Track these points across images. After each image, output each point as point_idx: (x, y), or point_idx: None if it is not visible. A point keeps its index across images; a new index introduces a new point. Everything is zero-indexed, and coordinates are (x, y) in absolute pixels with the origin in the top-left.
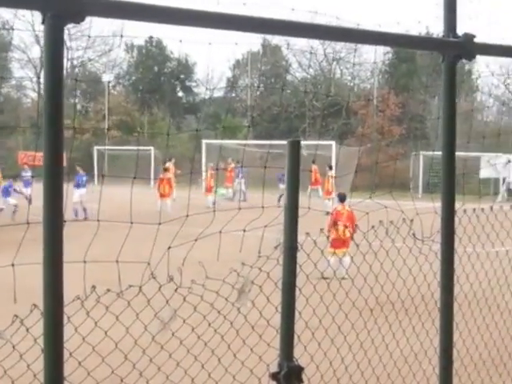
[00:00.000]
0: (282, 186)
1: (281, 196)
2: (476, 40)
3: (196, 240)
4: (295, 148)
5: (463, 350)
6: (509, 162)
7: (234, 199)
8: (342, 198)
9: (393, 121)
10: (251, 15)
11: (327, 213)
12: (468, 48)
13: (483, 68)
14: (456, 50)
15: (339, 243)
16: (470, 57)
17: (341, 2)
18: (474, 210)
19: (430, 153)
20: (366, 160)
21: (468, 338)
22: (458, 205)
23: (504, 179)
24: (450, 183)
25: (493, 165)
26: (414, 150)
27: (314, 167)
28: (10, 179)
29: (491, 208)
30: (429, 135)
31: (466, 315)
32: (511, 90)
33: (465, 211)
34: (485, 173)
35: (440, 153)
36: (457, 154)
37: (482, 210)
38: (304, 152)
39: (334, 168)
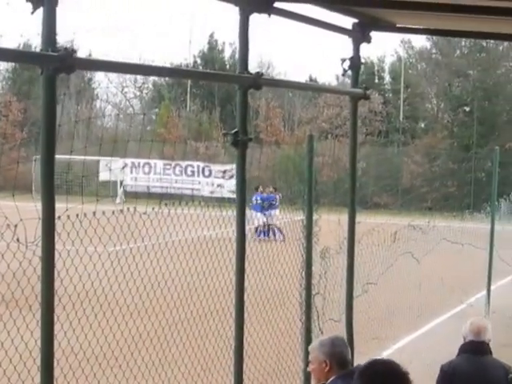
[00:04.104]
0: (261, 217)
1: (259, 228)
2: (78, 55)
3: None
4: None
5: (68, 348)
6: (125, 165)
7: None
8: None
9: (15, 126)
10: None
11: None
12: (68, 62)
13: (102, 77)
14: (55, 63)
15: None
16: (70, 70)
17: None
18: (84, 214)
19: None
20: None
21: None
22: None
23: (121, 182)
24: (49, 189)
25: (111, 169)
26: (35, 153)
27: None
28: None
29: (94, 213)
30: None
31: (70, 315)
32: (128, 98)
33: (68, 217)
34: (104, 176)
35: (61, 156)
36: (77, 157)
37: (85, 215)
38: None
39: None
